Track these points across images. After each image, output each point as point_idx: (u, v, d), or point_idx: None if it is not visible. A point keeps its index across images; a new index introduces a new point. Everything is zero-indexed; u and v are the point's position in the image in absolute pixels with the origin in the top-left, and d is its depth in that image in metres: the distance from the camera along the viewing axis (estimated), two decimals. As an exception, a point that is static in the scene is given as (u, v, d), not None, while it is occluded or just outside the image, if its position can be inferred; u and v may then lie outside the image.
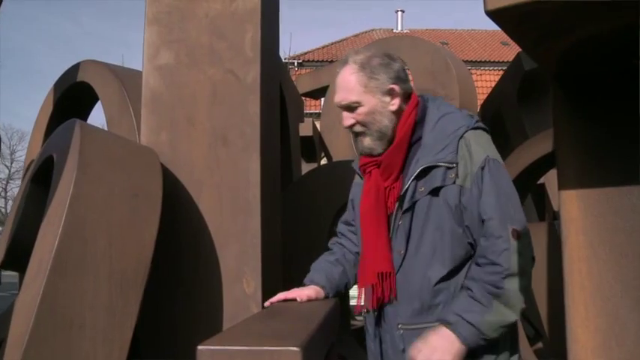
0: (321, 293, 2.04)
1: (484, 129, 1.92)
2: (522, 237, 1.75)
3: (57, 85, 4.69)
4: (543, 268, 3.97)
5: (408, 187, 1.87)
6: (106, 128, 3.98)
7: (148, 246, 2.37)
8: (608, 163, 1.32)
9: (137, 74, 4.14)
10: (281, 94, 4.35)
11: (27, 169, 4.67)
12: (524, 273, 1.75)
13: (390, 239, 1.92)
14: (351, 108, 1.94)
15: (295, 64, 26.48)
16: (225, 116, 2.90)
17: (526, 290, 1.76)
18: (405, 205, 1.87)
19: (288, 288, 2.02)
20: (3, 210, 40.06)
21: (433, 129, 1.90)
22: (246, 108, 2.89)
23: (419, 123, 1.94)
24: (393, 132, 1.95)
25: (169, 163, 2.85)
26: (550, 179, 5.27)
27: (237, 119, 2.88)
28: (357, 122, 1.95)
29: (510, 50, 30.11)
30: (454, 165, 1.81)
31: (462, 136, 1.84)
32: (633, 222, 1.51)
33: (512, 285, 1.73)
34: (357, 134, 1.99)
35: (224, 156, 2.85)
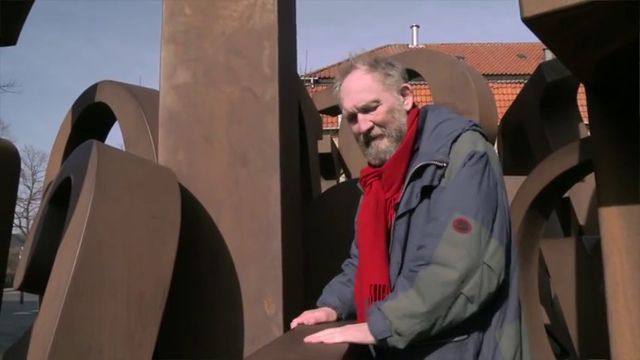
0: (333, 315, 1.96)
1: (480, 132, 1.84)
2: (472, 235, 1.60)
3: (75, 106, 4.69)
4: (572, 285, 3.85)
5: (404, 193, 1.79)
6: (123, 148, 3.96)
7: (166, 268, 2.32)
8: (651, 178, 1.24)
9: (154, 94, 4.12)
10: (299, 111, 4.31)
11: (46, 190, 4.67)
12: (458, 270, 1.56)
13: (388, 252, 1.82)
14: (368, 109, 1.88)
15: (312, 81, 26.59)
16: (243, 135, 2.85)
17: (456, 293, 1.55)
18: (400, 211, 1.78)
19: (309, 309, 1.98)
20: (25, 230, 40.52)
21: (430, 136, 1.84)
22: (265, 126, 2.85)
23: (419, 132, 1.89)
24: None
25: (187, 184, 2.81)
26: (575, 193, 5.16)
27: (256, 138, 2.84)
28: (375, 124, 1.89)
29: (527, 63, 29.97)
30: (444, 164, 1.73)
31: (456, 138, 1.77)
32: (679, 240, 1.43)
33: (429, 273, 1.58)
34: (371, 139, 1.91)
35: (243, 176, 2.80)
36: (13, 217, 4.10)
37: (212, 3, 3.07)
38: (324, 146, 6.58)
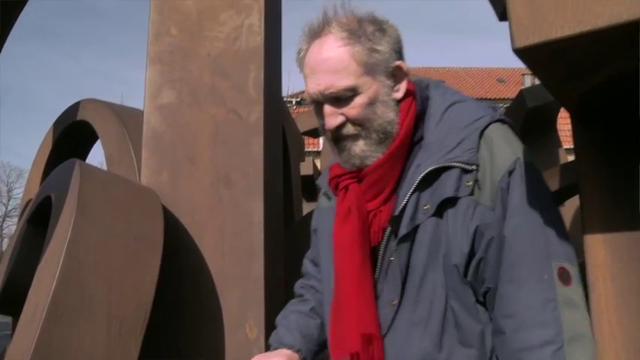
0: (295, 359, 1.52)
1: (512, 125, 1.39)
2: (575, 284, 1.23)
3: (57, 123, 4.65)
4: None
5: (406, 204, 1.28)
6: (104, 167, 3.93)
7: (148, 291, 2.29)
8: (635, 205, 1.27)
9: (138, 113, 4.11)
10: (283, 133, 4.32)
11: (24, 209, 4.61)
12: (586, 337, 1.20)
13: (375, 285, 1.34)
14: (340, 100, 1.34)
15: (294, 102, 26.72)
16: (228, 157, 2.84)
17: None
18: (402, 231, 1.28)
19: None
20: (-1, 248, 39.87)
21: (439, 123, 1.35)
22: (250, 148, 2.84)
23: (419, 118, 1.40)
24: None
25: (170, 204, 2.78)
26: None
27: (241, 160, 2.83)
28: (349, 120, 1.35)
29: (506, 87, 30.51)
30: (473, 167, 1.25)
31: (483, 130, 1.30)
32: (664, 268, 1.44)
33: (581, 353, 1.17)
34: (342, 138, 1.38)
35: (227, 197, 2.79)
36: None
37: (198, 24, 3.08)
38: (306, 168, 6.60)
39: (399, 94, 1.40)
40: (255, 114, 2.90)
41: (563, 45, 0.89)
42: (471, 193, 1.26)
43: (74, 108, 4.46)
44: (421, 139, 1.38)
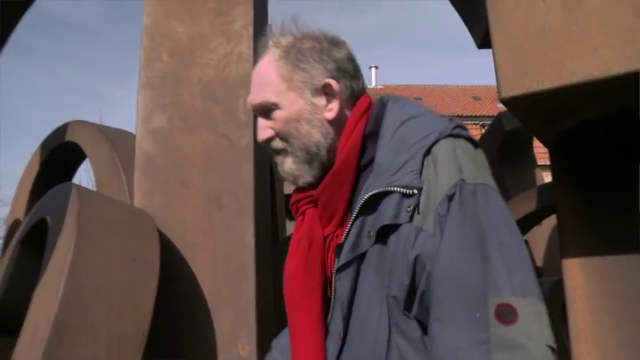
0: None
1: (468, 138, 1.27)
2: (523, 316, 1.03)
3: (44, 144, 4.70)
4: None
5: (349, 231, 1.22)
6: (90, 187, 3.99)
7: (146, 311, 2.37)
8: (609, 230, 1.40)
9: (126, 135, 4.19)
10: (268, 154, 4.41)
11: (10, 229, 4.63)
12: None
13: (325, 317, 1.27)
14: (266, 112, 1.34)
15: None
16: (219, 180, 2.94)
17: None
18: (343, 260, 1.21)
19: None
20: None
21: (390, 141, 1.26)
22: (240, 172, 2.94)
23: (371, 137, 1.31)
24: (331, 152, 1.32)
25: (163, 226, 2.87)
26: (533, 236, 5.37)
27: (232, 183, 2.93)
28: (277, 134, 1.34)
29: (482, 105, 30.99)
30: (413, 191, 1.15)
31: (429, 149, 1.19)
32: (636, 288, 1.57)
33: None
34: (276, 153, 1.37)
35: (218, 220, 2.88)
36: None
37: (189, 51, 3.18)
38: (288, 187, 6.69)
39: (331, 114, 1.32)
40: (246, 138, 3.00)
41: (543, 96, 1.01)
42: (410, 219, 1.15)
43: (62, 129, 4.52)
44: (372, 159, 1.28)
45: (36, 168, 4.74)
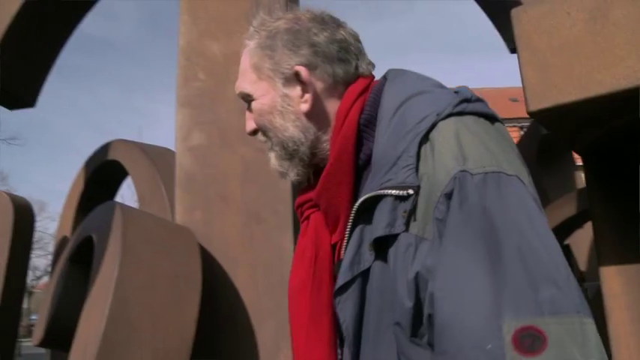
0: None
1: (481, 113, 0.97)
2: (553, 343, 0.76)
3: (88, 163, 4.86)
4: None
5: (347, 245, 1.00)
6: (132, 202, 4.10)
7: (189, 324, 2.43)
8: (646, 236, 1.38)
9: (167, 152, 4.30)
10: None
11: (59, 245, 4.78)
12: None
13: (336, 340, 1.03)
14: (247, 103, 1.19)
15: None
16: (257, 194, 2.99)
17: None
18: (342, 280, 0.98)
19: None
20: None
21: (388, 128, 1.01)
22: (278, 186, 2.99)
23: (368, 126, 1.07)
24: (318, 149, 1.13)
25: (204, 241, 2.93)
26: (575, 240, 5.29)
27: (270, 197, 2.97)
28: (257, 127, 1.18)
29: (520, 106, 30.55)
30: (408, 192, 0.91)
31: (426, 135, 0.94)
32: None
33: None
34: (266, 146, 1.20)
35: (258, 234, 2.93)
36: (27, 271, 4.22)
37: (225, 69, 3.25)
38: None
39: (306, 106, 1.11)
40: (282, 153, 3.05)
41: (570, 108, 1.02)
42: (406, 229, 0.92)
43: (105, 148, 4.66)
44: (372, 152, 1.05)
45: (81, 186, 4.89)
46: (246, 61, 1.17)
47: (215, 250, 2.95)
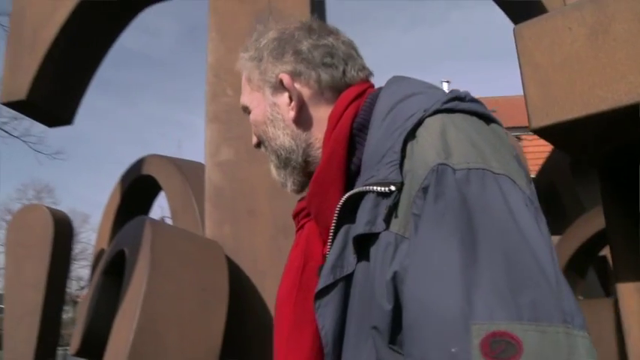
0: None
1: (473, 112, 0.93)
2: (529, 349, 0.68)
3: (124, 177, 4.98)
4: (612, 345, 3.84)
5: (331, 247, 0.96)
6: (163, 216, 4.19)
7: (216, 337, 2.47)
8: (663, 253, 1.36)
9: (199, 166, 4.38)
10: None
11: (97, 257, 4.91)
12: None
13: (320, 348, 0.95)
14: (248, 115, 1.20)
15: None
16: (285, 208, 3.02)
17: None
18: (322, 283, 0.93)
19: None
20: (67, 289, 41.04)
21: (379, 130, 0.98)
22: (305, 199, 3.01)
23: (362, 130, 1.03)
24: (308, 155, 1.13)
25: (233, 255, 2.97)
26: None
27: (297, 210, 3.00)
28: (258, 139, 1.20)
29: (561, 115, 30.04)
30: (390, 188, 0.87)
31: (413, 131, 0.90)
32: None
33: None
34: None
35: (286, 247, 2.95)
36: (67, 282, 4.36)
37: (253, 84, 3.30)
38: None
39: (293, 113, 1.11)
40: (309, 167, 3.08)
41: (573, 125, 1.02)
42: (387, 227, 0.87)
43: (139, 163, 4.77)
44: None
45: (117, 199, 5.01)
46: (243, 75, 1.19)
47: (244, 263, 2.99)
